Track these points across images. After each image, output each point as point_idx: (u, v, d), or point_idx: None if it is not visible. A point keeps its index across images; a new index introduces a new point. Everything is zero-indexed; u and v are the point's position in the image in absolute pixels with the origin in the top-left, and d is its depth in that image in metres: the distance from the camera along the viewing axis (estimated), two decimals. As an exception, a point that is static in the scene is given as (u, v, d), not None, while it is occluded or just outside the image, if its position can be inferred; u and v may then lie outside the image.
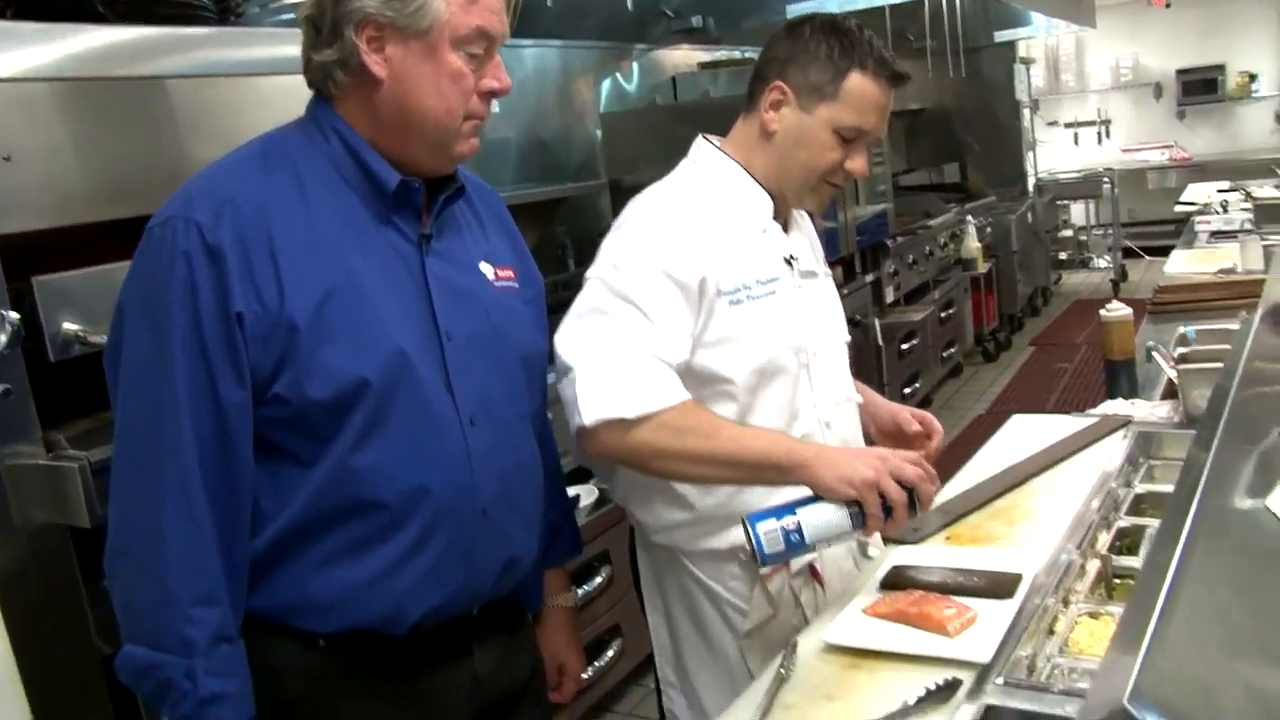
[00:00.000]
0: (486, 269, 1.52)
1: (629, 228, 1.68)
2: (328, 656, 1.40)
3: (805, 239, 1.85)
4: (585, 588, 3.11)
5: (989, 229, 7.37)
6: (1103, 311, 2.62)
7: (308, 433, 1.33)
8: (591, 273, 1.65)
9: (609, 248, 1.66)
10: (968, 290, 6.97)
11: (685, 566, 1.76)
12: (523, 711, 1.63)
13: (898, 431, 1.90)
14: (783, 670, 1.46)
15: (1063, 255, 10.09)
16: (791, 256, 1.76)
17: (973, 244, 6.73)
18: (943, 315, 6.43)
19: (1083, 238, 10.65)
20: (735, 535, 1.67)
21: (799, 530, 1.47)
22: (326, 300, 1.31)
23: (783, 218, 1.78)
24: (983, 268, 6.86)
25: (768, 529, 1.47)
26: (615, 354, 1.56)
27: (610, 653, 3.28)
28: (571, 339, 1.61)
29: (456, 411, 1.40)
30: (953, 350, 6.68)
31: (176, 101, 2.20)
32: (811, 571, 1.78)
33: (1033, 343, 7.83)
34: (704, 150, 1.79)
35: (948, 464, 1.90)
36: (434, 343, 1.40)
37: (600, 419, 1.54)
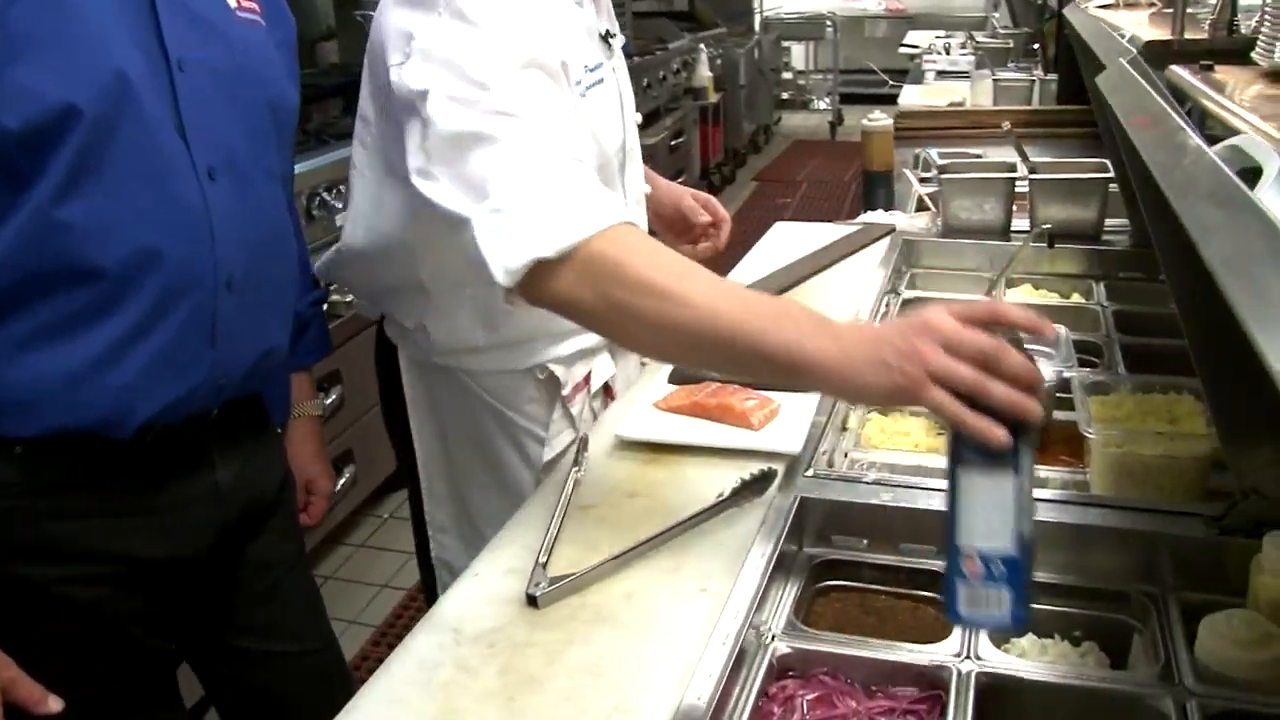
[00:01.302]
0: None
1: (463, 6, 1.19)
2: (29, 467, 1.14)
3: (604, 10, 1.48)
4: (315, 411, 2.86)
5: (719, 61, 7.35)
6: (865, 121, 2.59)
7: None
8: (427, 83, 1.17)
9: (450, 43, 1.18)
10: (696, 121, 6.95)
11: (471, 390, 1.48)
12: (272, 529, 1.41)
13: (682, 221, 1.70)
14: (575, 470, 1.32)
15: (784, 95, 10.30)
16: (609, 32, 1.45)
17: (704, 72, 6.68)
18: (673, 144, 6.39)
19: (802, 81, 10.90)
20: (538, 354, 1.45)
21: (990, 558, 0.95)
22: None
23: None
24: (713, 98, 6.84)
25: (971, 596, 0.95)
26: (525, 179, 1.11)
27: (342, 480, 3.06)
28: (454, 189, 1.15)
29: (191, 159, 1.13)
30: (681, 179, 6.64)
31: None
32: (605, 390, 1.58)
33: (756, 178, 7.96)
34: None
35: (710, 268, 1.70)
36: (162, 71, 1.11)
37: (515, 267, 1.08)
